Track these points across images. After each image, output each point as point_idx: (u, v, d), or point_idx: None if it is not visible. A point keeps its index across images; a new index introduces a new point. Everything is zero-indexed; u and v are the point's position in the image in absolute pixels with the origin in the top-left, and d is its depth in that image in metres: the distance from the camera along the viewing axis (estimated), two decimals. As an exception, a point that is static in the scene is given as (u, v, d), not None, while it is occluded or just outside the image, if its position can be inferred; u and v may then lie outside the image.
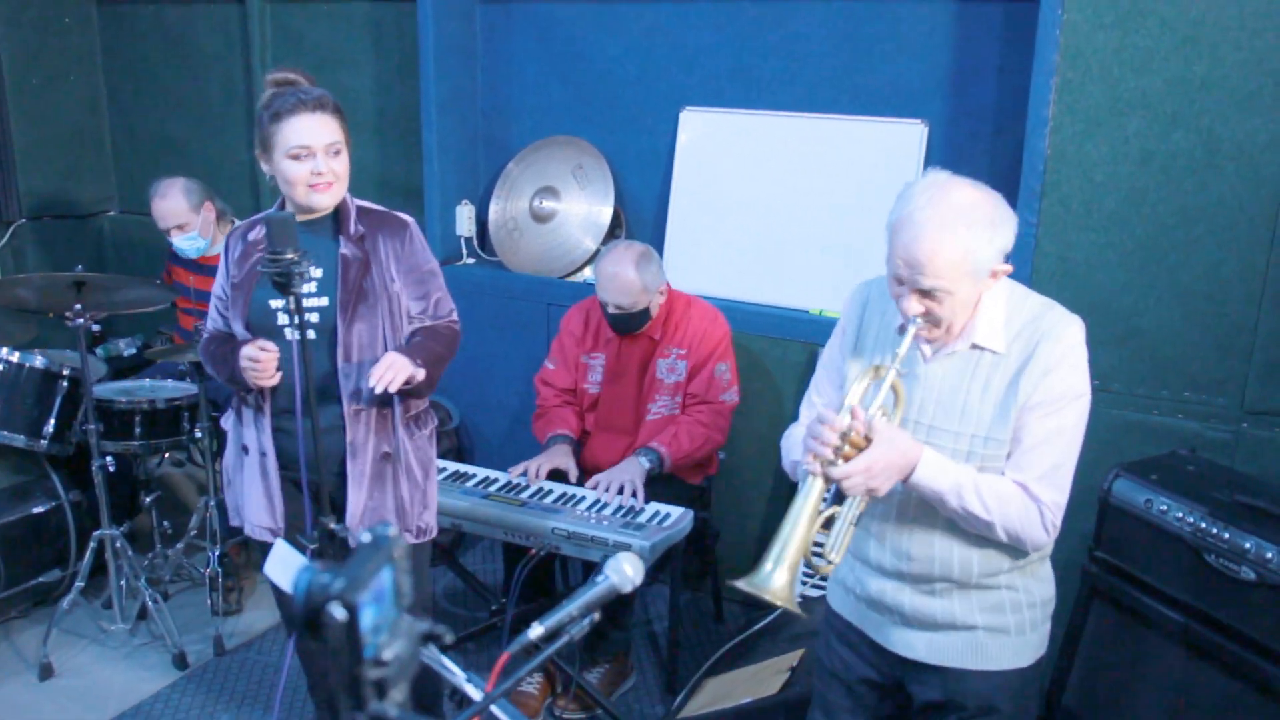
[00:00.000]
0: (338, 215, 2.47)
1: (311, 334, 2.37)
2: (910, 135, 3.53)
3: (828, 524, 1.80)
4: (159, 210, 3.88)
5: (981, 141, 3.43)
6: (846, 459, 1.73)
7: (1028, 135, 2.97)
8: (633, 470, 3.20)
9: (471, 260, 4.42)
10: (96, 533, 3.47)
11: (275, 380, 2.36)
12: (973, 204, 1.73)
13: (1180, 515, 2.43)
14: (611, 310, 3.26)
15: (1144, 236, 2.87)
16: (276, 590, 2.56)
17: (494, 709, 1.73)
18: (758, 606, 3.86)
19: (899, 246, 1.74)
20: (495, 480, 3.28)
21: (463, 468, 3.39)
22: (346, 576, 0.87)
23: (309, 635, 0.88)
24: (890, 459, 1.73)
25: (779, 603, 1.71)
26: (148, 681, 3.36)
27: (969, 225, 1.70)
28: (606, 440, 3.43)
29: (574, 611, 1.66)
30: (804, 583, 3.44)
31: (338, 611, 0.85)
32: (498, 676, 1.65)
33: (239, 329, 2.45)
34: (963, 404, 1.84)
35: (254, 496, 2.49)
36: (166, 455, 4.37)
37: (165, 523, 3.86)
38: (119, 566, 3.52)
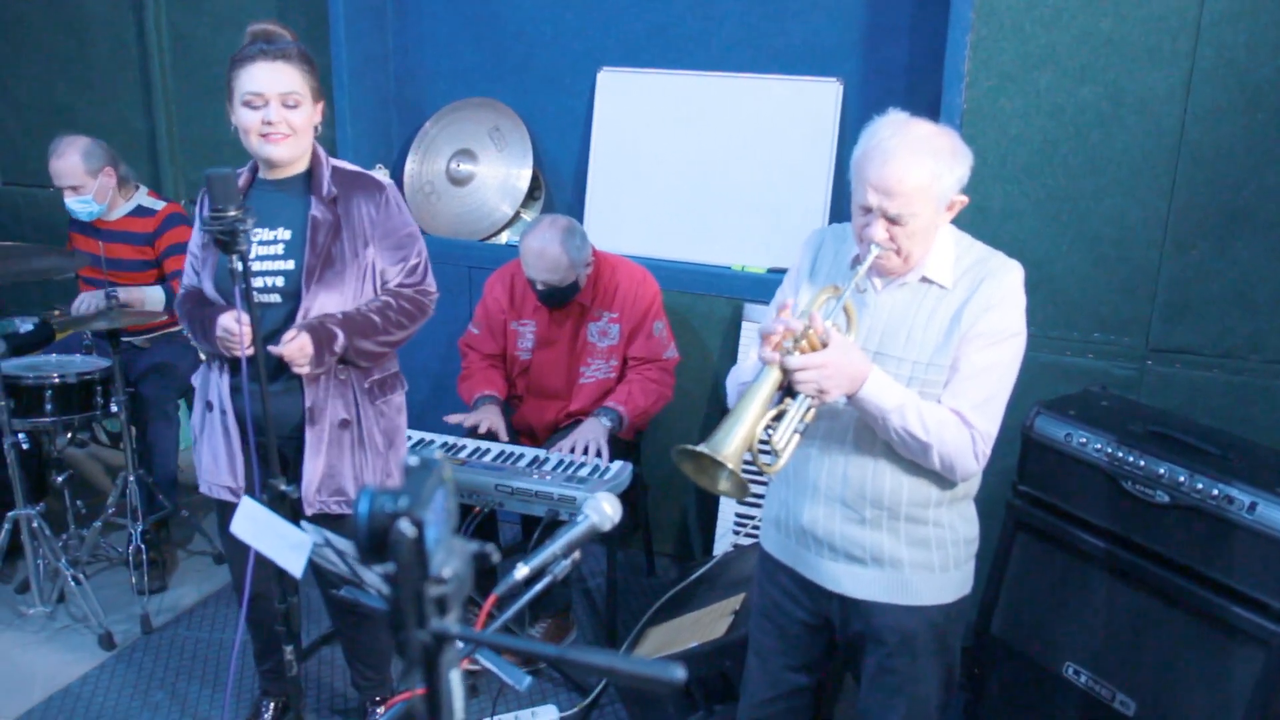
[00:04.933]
0: (311, 175, 2.43)
1: (277, 297, 2.34)
2: (826, 93, 3.61)
3: (777, 419, 1.85)
4: (54, 169, 3.74)
5: (895, 99, 3.41)
6: (803, 353, 1.80)
7: (945, 90, 3.07)
8: (595, 430, 3.23)
9: (387, 226, 4.35)
10: (10, 513, 3.34)
11: (250, 352, 2.22)
12: (935, 135, 1.85)
13: (1099, 446, 2.58)
14: (540, 287, 3.24)
15: (1054, 187, 3.02)
16: (229, 550, 2.50)
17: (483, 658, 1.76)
18: (689, 559, 3.96)
19: (870, 173, 1.83)
20: (431, 441, 3.27)
21: (395, 432, 3.35)
22: (409, 495, 0.89)
23: (374, 557, 0.89)
24: (842, 365, 1.80)
25: (728, 464, 1.75)
26: (74, 664, 3.26)
27: (934, 154, 1.82)
28: (539, 405, 3.45)
29: (557, 551, 1.70)
30: (736, 531, 3.53)
31: (407, 528, 0.87)
32: (486, 617, 1.68)
33: (209, 290, 2.42)
34: (908, 332, 1.94)
35: (216, 454, 2.44)
36: (70, 436, 4.21)
37: (79, 502, 3.73)
38: (36, 547, 3.40)
